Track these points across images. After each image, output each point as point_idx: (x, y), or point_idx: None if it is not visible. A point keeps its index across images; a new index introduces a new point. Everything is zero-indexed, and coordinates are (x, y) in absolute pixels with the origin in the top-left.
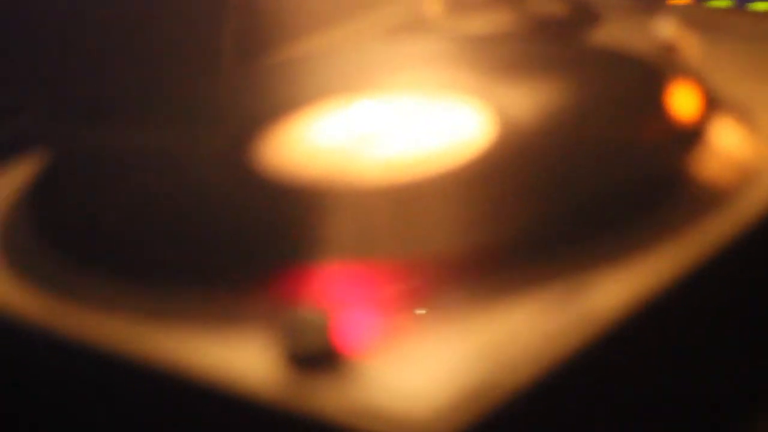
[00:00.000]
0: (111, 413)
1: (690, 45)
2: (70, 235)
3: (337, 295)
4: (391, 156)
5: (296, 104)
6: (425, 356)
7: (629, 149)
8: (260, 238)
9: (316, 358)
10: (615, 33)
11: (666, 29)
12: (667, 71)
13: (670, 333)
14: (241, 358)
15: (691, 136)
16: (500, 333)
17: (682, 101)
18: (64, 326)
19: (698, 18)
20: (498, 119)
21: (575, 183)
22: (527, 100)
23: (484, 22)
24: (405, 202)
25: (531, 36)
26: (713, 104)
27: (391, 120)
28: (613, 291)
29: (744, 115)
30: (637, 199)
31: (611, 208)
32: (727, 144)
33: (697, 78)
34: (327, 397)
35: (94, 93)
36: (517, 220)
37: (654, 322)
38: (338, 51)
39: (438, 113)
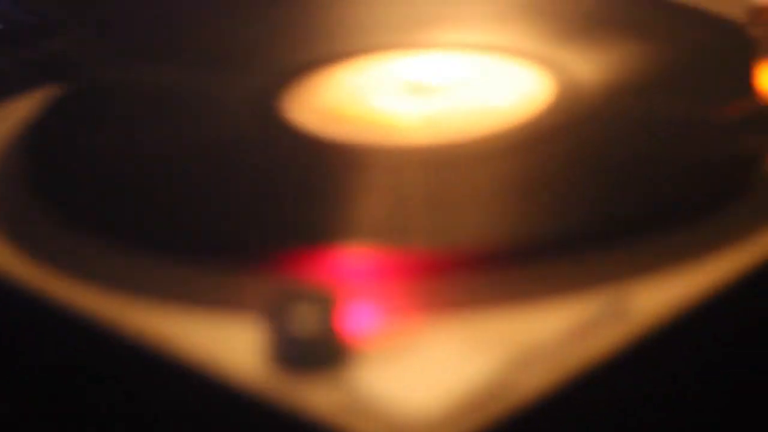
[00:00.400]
0: (88, 383)
1: None
2: (60, 187)
3: (346, 279)
4: (431, 116)
5: (337, 49)
6: (435, 354)
7: (698, 131)
8: (270, 206)
9: (314, 342)
10: None
11: None
12: (754, 40)
13: (712, 346)
14: (229, 339)
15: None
16: (522, 334)
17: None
18: (43, 290)
19: None
20: (559, 81)
21: (632, 168)
22: (594, 60)
23: None
24: (436, 174)
25: None
26: None
27: (440, 76)
28: (654, 299)
29: None
30: (700, 192)
31: (668, 204)
32: None
33: None
34: (318, 391)
35: (132, 24)
36: (558, 209)
37: (693, 333)
38: None
39: (495, 71)
